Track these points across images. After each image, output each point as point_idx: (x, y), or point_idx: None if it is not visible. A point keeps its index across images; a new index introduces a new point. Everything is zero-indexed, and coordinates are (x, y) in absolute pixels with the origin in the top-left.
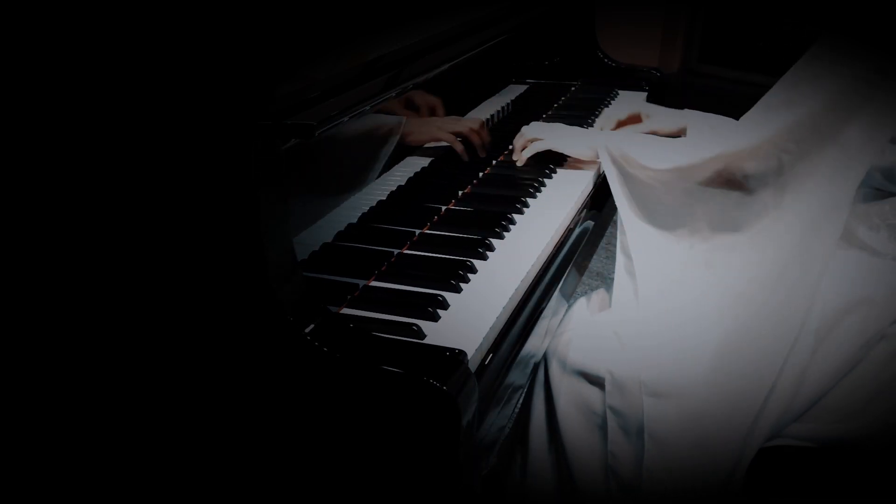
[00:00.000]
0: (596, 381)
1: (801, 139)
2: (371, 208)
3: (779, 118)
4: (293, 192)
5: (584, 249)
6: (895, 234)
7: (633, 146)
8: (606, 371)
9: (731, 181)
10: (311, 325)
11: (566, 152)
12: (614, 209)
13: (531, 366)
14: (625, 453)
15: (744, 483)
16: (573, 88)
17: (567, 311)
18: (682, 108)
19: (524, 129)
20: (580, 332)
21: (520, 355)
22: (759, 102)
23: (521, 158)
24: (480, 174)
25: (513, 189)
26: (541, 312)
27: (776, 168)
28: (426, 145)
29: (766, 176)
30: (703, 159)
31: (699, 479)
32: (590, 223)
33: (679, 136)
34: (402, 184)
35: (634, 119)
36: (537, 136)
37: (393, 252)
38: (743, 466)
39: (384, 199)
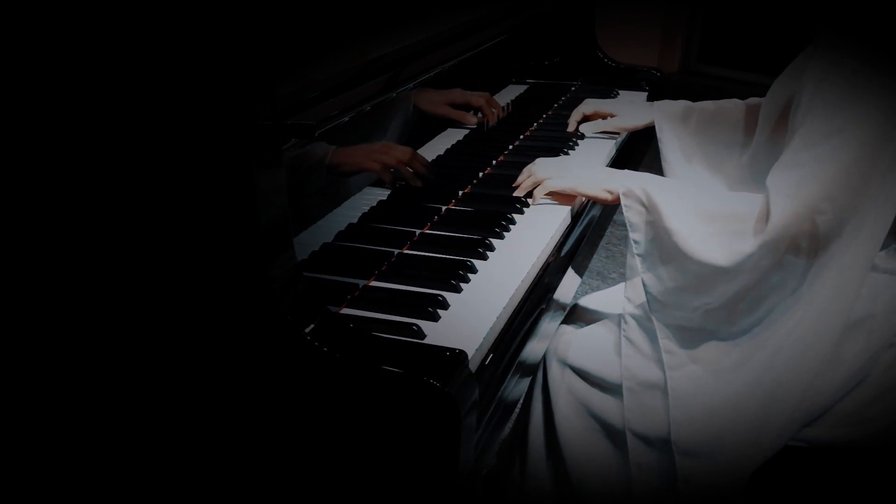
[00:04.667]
0: (595, 383)
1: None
2: (371, 208)
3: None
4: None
5: (584, 249)
6: (893, 251)
7: (657, 189)
8: (623, 379)
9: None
10: (311, 325)
11: (581, 193)
12: (614, 209)
13: (531, 366)
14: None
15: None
16: (573, 88)
17: (567, 311)
18: None
19: (532, 167)
20: (580, 332)
21: (520, 355)
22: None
23: (534, 199)
24: (481, 174)
25: (513, 189)
26: (541, 313)
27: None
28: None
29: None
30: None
31: (710, 485)
32: (595, 214)
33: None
34: (403, 183)
35: (601, 115)
36: (547, 175)
37: (393, 252)
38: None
39: (384, 198)
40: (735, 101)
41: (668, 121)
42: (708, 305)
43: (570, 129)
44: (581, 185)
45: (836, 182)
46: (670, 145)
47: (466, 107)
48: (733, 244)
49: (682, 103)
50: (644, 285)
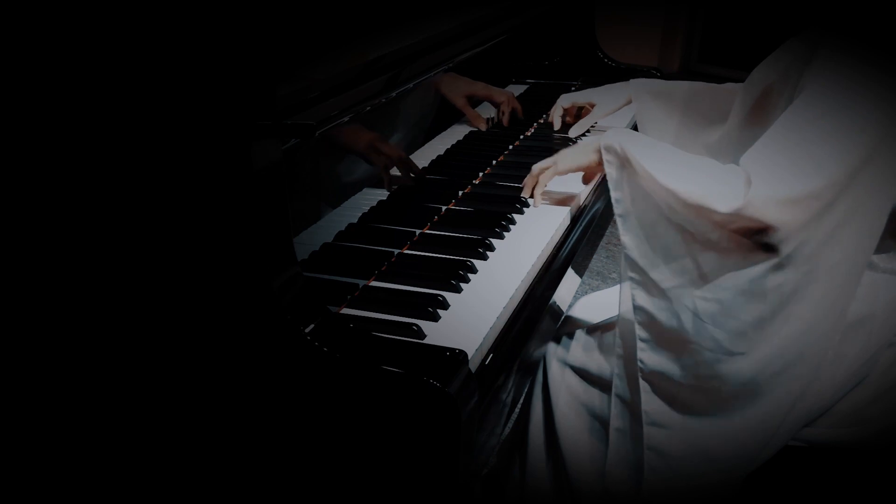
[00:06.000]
0: (595, 382)
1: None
2: (371, 208)
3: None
4: (293, 191)
5: (584, 249)
6: (893, 251)
7: (635, 142)
8: (611, 374)
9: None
10: (311, 325)
11: (568, 167)
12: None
13: (531, 366)
14: (624, 462)
15: (744, 483)
16: (573, 88)
17: (567, 311)
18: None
19: (534, 167)
20: (580, 332)
21: (520, 355)
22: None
23: (535, 200)
24: (481, 174)
25: (513, 189)
26: (541, 313)
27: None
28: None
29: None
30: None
31: (703, 486)
32: (599, 206)
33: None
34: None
35: (581, 107)
36: (544, 166)
37: (393, 252)
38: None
39: (384, 199)
40: (712, 84)
41: (644, 96)
42: (685, 273)
43: (556, 127)
44: (566, 158)
45: (836, 164)
46: (647, 120)
47: (481, 102)
48: (709, 200)
49: (658, 81)
50: (624, 249)
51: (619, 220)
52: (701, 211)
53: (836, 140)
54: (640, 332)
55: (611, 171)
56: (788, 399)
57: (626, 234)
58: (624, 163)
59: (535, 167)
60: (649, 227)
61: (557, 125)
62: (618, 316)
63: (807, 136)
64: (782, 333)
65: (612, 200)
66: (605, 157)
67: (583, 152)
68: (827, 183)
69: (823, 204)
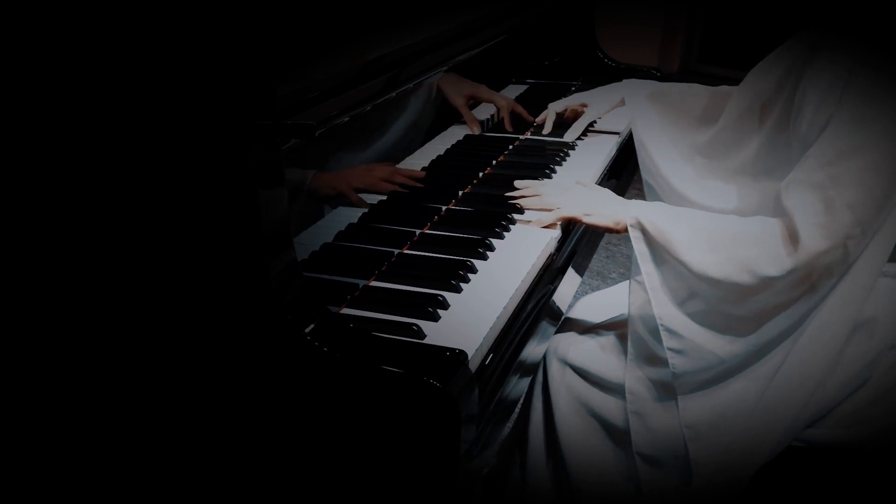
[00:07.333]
0: (596, 382)
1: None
2: (371, 208)
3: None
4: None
5: (584, 249)
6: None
7: (666, 219)
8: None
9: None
10: (311, 325)
11: (588, 224)
12: None
13: (531, 366)
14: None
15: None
16: (573, 88)
17: (567, 311)
18: None
19: (541, 188)
20: (580, 332)
21: (520, 355)
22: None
23: (539, 221)
24: (481, 174)
25: (514, 189)
26: (541, 312)
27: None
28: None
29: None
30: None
31: (711, 485)
32: None
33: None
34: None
35: (575, 112)
36: (556, 203)
37: (393, 252)
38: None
39: (384, 198)
40: (707, 86)
41: (637, 97)
42: (732, 321)
43: (546, 131)
44: (589, 216)
45: (865, 207)
46: (640, 119)
47: (480, 103)
48: (754, 268)
49: (652, 82)
50: (658, 318)
51: (650, 293)
52: (753, 268)
53: (861, 172)
54: (667, 340)
55: (639, 248)
56: (804, 391)
57: (659, 308)
58: (658, 240)
59: (546, 196)
60: (691, 290)
61: (548, 129)
62: (628, 315)
63: (835, 172)
64: (800, 339)
65: (643, 273)
66: (633, 233)
67: (605, 216)
68: (855, 218)
69: (866, 228)
